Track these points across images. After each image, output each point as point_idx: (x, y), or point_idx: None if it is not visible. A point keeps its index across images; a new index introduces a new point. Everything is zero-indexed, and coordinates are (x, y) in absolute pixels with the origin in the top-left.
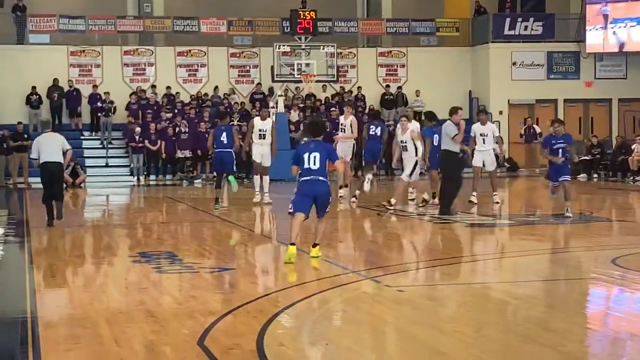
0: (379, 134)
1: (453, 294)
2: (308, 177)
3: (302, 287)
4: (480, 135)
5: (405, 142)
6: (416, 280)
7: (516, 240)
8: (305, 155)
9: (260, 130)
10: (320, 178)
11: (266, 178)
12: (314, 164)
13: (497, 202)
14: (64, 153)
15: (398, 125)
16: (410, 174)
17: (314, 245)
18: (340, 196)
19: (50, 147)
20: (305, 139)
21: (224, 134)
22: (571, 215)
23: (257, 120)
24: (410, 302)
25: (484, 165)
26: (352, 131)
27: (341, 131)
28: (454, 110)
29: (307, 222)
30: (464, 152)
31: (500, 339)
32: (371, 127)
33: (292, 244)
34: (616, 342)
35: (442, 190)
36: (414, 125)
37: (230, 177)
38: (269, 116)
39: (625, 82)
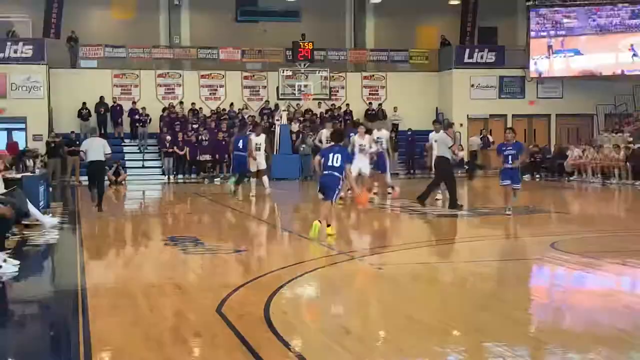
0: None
1: (424, 271)
2: (326, 172)
3: (301, 265)
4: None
5: (364, 145)
6: (394, 260)
7: (474, 228)
8: (330, 155)
9: (256, 144)
10: (335, 173)
11: (265, 178)
12: (337, 162)
13: (438, 199)
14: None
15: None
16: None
17: (328, 225)
18: None
19: (94, 148)
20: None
21: (241, 142)
22: (510, 213)
23: (252, 136)
24: (389, 278)
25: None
26: None
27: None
28: (448, 125)
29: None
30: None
31: (461, 307)
32: (350, 134)
33: (319, 221)
34: (556, 311)
35: (449, 189)
36: (385, 134)
37: (230, 180)
38: (262, 132)
39: (561, 101)
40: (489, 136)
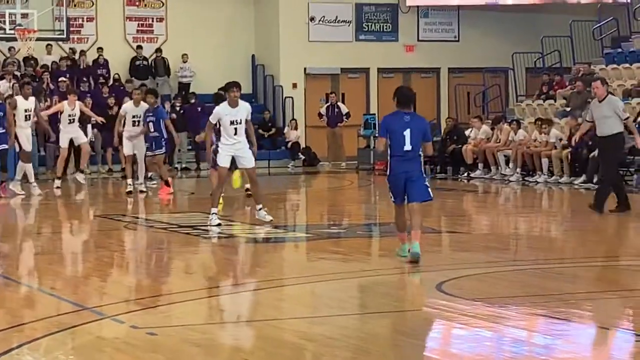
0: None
1: (228, 335)
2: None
3: (16, 330)
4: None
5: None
6: (175, 318)
7: (314, 259)
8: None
9: (26, 111)
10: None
11: (29, 166)
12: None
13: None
14: None
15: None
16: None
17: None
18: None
19: None
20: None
21: None
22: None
23: (20, 99)
24: (167, 348)
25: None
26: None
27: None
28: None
29: None
30: None
31: None
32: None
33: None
34: None
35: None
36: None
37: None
38: (32, 94)
39: (457, 47)
40: (340, 104)
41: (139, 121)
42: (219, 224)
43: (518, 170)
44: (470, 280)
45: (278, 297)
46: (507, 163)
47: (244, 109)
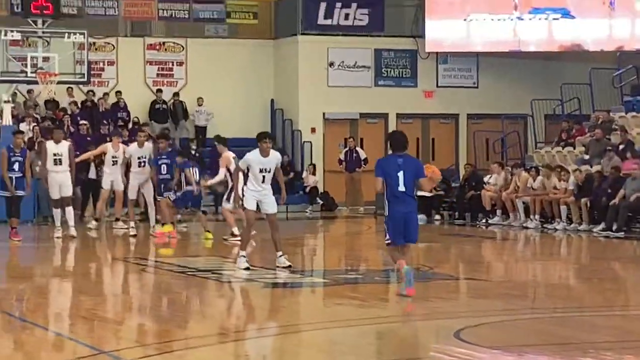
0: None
1: None
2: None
3: None
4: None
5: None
6: None
7: (331, 305)
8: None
9: (55, 155)
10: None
11: (70, 209)
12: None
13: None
14: None
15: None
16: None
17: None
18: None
19: None
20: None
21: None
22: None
23: (50, 144)
24: None
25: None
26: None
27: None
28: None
29: None
30: None
31: None
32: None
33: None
34: None
35: None
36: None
37: None
38: (65, 138)
39: (475, 93)
40: (358, 149)
41: (144, 162)
42: (248, 268)
43: (537, 217)
44: (489, 328)
45: (295, 342)
46: (526, 210)
47: (275, 159)
